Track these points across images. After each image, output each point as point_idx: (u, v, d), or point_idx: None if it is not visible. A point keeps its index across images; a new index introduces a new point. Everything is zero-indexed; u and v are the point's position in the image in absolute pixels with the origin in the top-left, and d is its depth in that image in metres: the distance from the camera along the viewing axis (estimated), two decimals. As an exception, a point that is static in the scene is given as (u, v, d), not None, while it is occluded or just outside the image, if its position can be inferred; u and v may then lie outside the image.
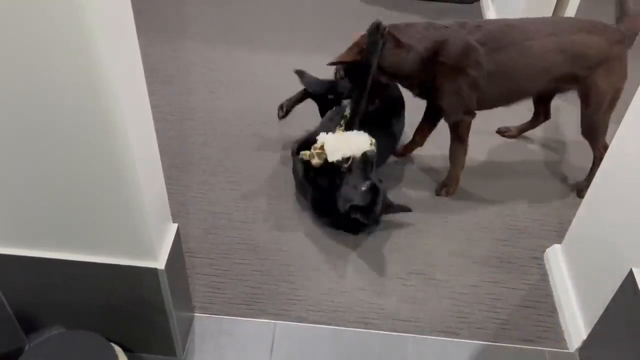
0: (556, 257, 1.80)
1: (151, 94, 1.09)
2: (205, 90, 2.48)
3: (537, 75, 1.84)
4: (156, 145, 1.20)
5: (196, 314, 1.64)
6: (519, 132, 2.32)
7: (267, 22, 2.92)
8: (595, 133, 1.96)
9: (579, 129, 1.98)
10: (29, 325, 1.44)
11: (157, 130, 1.18)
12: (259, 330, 1.62)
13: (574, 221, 1.72)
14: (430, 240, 1.91)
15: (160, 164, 1.23)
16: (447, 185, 2.06)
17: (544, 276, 1.82)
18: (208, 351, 1.57)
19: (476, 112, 1.92)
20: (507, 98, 1.94)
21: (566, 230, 1.77)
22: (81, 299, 1.36)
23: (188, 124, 2.31)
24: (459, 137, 1.97)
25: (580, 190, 2.07)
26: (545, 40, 1.78)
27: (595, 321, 1.51)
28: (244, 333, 1.61)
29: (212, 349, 1.57)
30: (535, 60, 1.79)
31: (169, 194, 1.31)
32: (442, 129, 2.02)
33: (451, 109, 1.90)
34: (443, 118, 1.98)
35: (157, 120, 1.14)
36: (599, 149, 1.99)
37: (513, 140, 2.33)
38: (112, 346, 1.34)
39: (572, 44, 1.79)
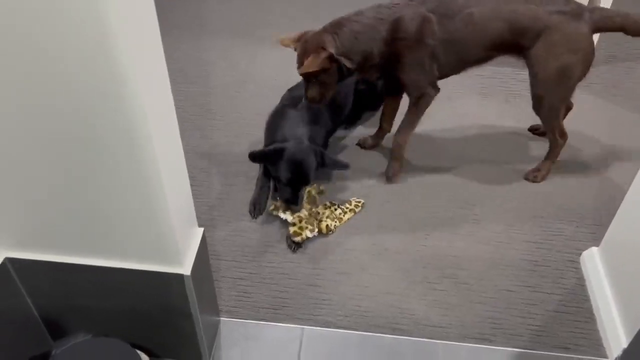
0: (593, 261, 1.73)
1: (176, 94, 1.07)
2: (230, 89, 2.46)
3: (480, 42, 1.87)
4: (181, 148, 1.17)
5: (222, 318, 1.62)
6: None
7: (293, 17, 2.88)
8: (544, 111, 1.94)
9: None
10: (56, 330, 1.44)
11: (181, 131, 1.15)
12: (286, 335, 1.59)
13: (613, 222, 1.65)
14: (460, 243, 1.86)
15: (185, 166, 1.20)
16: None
17: (580, 280, 1.75)
18: (234, 356, 1.54)
19: (437, 84, 1.96)
20: (460, 65, 1.97)
21: (604, 231, 1.70)
22: (107, 304, 1.35)
23: (213, 124, 2.29)
24: (419, 109, 2.00)
25: (532, 177, 2.07)
26: (486, 8, 1.82)
27: (637, 328, 1.44)
28: (270, 338, 1.59)
29: (239, 354, 1.55)
30: (477, 28, 1.83)
31: (194, 196, 1.29)
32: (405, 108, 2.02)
33: (416, 82, 1.92)
34: (407, 93, 1.99)
35: (181, 120, 1.11)
36: (554, 134, 1.98)
37: (544, 138, 2.25)
38: (137, 353, 1.32)
39: (509, 12, 1.81)
